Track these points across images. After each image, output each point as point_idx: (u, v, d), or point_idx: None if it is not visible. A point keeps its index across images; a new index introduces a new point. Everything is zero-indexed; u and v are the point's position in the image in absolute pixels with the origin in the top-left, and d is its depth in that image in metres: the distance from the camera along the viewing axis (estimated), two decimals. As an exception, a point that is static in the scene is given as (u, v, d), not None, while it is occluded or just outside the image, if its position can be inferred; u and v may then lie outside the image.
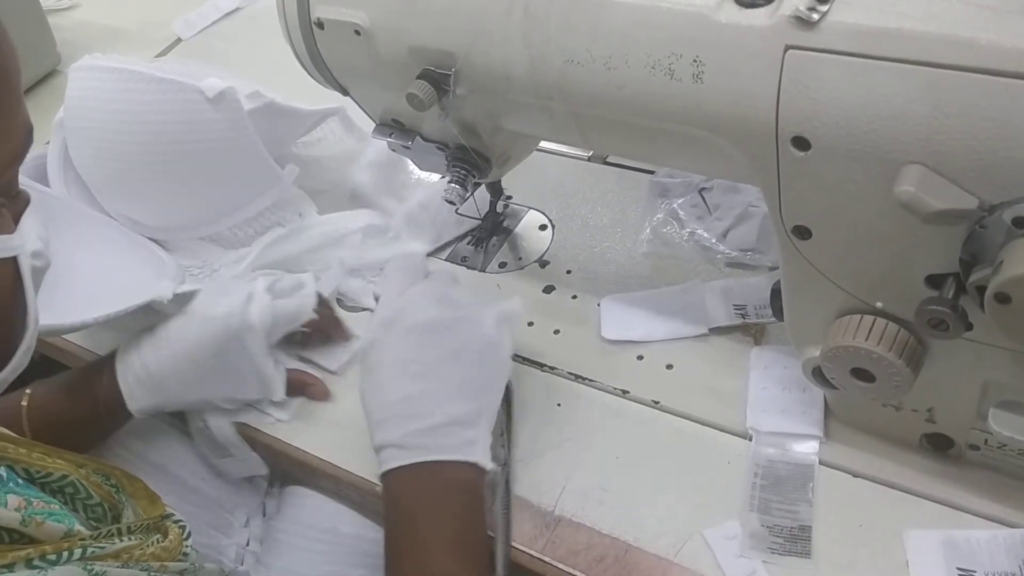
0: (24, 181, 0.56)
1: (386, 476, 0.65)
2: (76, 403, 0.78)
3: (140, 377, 0.77)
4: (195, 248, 0.91)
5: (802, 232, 0.57)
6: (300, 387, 0.82)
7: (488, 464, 0.65)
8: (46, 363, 0.94)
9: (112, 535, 0.55)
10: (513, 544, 0.69)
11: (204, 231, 0.91)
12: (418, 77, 0.66)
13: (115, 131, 0.83)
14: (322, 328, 0.84)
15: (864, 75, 0.48)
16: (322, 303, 0.82)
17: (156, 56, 1.31)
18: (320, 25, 0.71)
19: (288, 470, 0.84)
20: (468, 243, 0.94)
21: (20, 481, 0.53)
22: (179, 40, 1.35)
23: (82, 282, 0.73)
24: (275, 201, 0.90)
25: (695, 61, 0.54)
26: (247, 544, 0.84)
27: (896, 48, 0.47)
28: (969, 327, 0.54)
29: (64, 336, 0.92)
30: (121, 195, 0.89)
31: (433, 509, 0.63)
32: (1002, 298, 0.48)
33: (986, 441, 0.64)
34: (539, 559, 0.68)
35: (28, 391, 0.76)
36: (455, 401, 0.66)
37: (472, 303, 0.71)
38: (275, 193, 0.89)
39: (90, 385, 0.78)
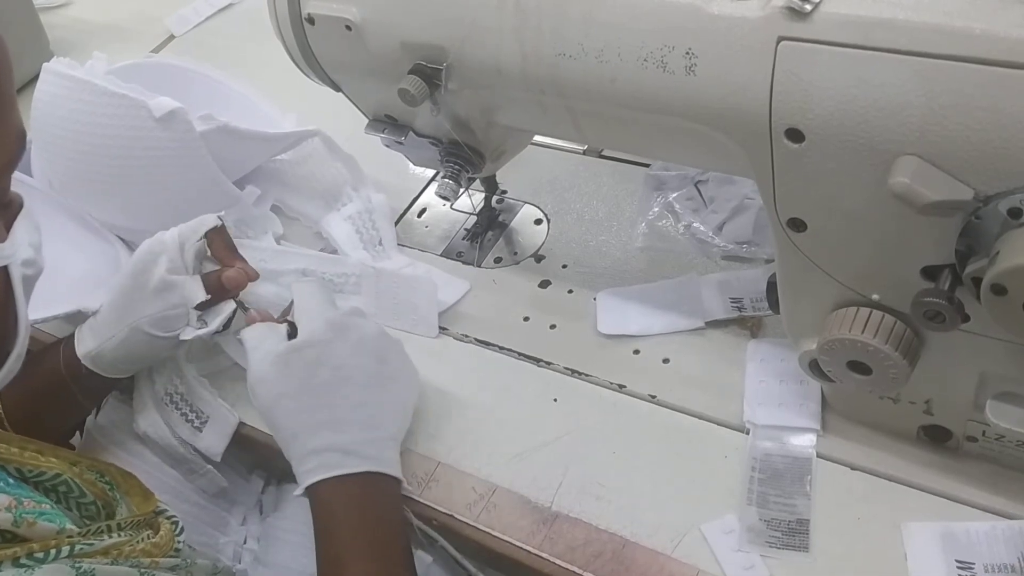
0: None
1: (310, 486, 0.66)
2: (41, 372, 0.78)
3: (89, 322, 0.79)
4: None
5: (797, 224, 0.57)
6: (217, 282, 0.79)
7: (402, 478, 0.70)
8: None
9: (101, 532, 0.55)
10: (511, 540, 0.69)
11: None
12: (410, 72, 0.66)
13: (68, 137, 0.85)
14: (216, 254, 0.81)
15: (857, 66, 0.48)
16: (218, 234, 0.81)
17: (151, 52, 1.30)
18: (311, 21, 0.70)
19: (284, 468, 0.84)
20: (463, 239, 0.94)
21: (11, 481, 0.52)
22: (172, 37, 1.34)
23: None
24: (240, 217, 0.92)
25: (688, 53, 0.54)
26: (244, 542, 0.84)
27: (889, 39, 0.47)
28: (966, 319, 0.54)
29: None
30: (76, 195, 0.92)
31: (354, 517, 0.65)
32: (998, 289, 0.48)
33: (984, 433, 0.64)
34: (536, 555, 0.68)
35: None
36: (384, 418, 0.70)
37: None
38: (234, 212, 0.91)
39: (55, 352, 0.79)
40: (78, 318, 0.83)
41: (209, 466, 0.81)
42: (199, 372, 0.83)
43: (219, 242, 0.80)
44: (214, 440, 0.81)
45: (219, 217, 0.80)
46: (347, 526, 0.65)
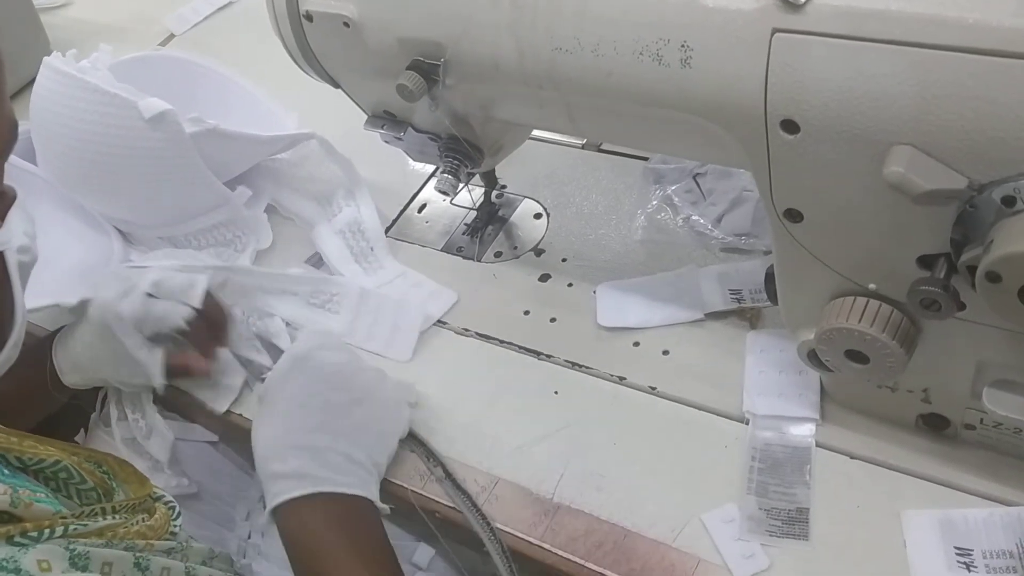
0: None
1: (282, 508, 0.66)
2: (27, 373, 0.78)
3: (66, 354, 0.79)
4: (156, 246, 0.94)
5: (793, 215, 0.57)
6: (183, 369, 0.80)
7: (382, 506, 0.69)
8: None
9: (96, 514, 0.55)
10: (513, 532, 0.70)
11: (160, 232, 0.93)
12: (408, 68, 0.66)
13: (64, 132, 0.86)
14: (209, 317, 0.80)
15: (851, 57, 0.48)
16: (210, 299, 0.79)
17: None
18: (309, 18, 0.71)
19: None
20: (464, 233, 0.95)
21: (7, 472, 0.53)
22: (172, 36, 1.35)
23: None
24: (229, 218, 0.93)
25: (683, 46, 0.54)
26: (248, 537, 0.85)
27: (883, 29, 0.47)
28: (962, 307, 0.54)
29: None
30: (72, 188, 0.92)
31: (336, 533, 0.65)
32: (993, 277, 0.48)
33: (981, 420, 0.64)
34: (538, 546, 0.69)
35: None
36: (354, 444, 0.69)
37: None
38: (224, 212, 0.92)
39: (41, 356, 0.79)
40: (74, 308, 0.81)
41: (182, 469, 0.83)
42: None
43: (213, 305, 0.80)
44: (157, 450, 0.82)
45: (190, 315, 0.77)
46: (329, 541, 0.64)
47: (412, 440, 0.75)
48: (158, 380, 0.77)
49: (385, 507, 0.69)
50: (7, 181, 0.55)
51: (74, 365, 0.79)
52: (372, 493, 0.68)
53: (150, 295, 0.76)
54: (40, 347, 0.81)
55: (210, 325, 0.79)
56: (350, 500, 0.67)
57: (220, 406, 0.82)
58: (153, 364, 0.77)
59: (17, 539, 0.48)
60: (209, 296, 0.78)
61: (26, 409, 0.80)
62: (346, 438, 0.69)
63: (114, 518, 0.56)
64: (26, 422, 0.80)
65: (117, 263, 0.88)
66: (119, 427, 0.83)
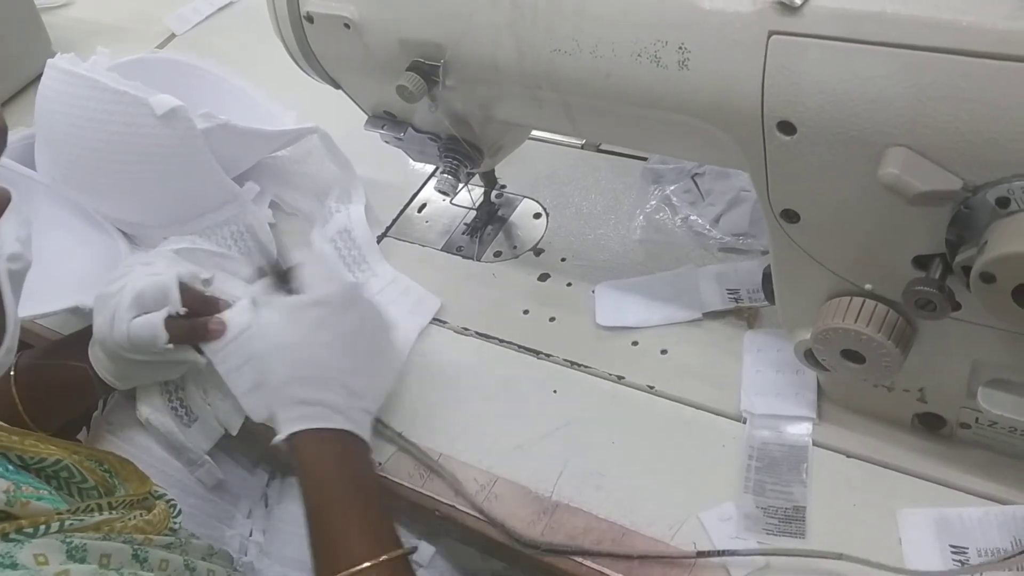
0: (7, 163, 0.55)
1: (301, 433, 0.68)
2: (67, 367, 0.78)
3: (98, 363, 0.77)
4: (162, 246, 0.92)
5: (790, 216, 0.57)
6: (192, 332, 0.75)
7: (372, 447, 0.71)
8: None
9: (92, 510, 0.55)
10: (511, 530, 0.70)
11: (168, 231, 0.93)
12: (408, 69, 0.67)
13: (71, 133, 0.86)
14: (194, 311, 0.76)
15: (847, 59, 0.49)
16: (186, 290, 0.75)
17: (153, 50, 1.31)
18: (310, 19, 0.71)
19: (289, 461, 0.84)
20: (463, 233, 0.95)
21: (11, 468, 0.53)
22: (173, 35, 1.35)
23: (36, 272, 0.74)
24: (236, 214, 0.93)
25: (680, 48, 0.55)
26: (250, 535, 0.85)
27: (878, 31, 0.47)
28: (957, 307, 0.54)
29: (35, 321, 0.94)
30: (78, 190, 0.92)
31: (338, 468, 0.67)
32: (987, 278, 0.48)
33: (977, 419, 0.64)
34: (537, 544, 0.69)
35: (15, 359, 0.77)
36: (375, 393, 0.72)
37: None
38: (233, 208, 0.92)
39: (80, 351, 0.78)
40: (80, 312, 0.83)
41: (206, 457, 0.82)
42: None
43: (196, 295, 0.77)
44: (199, 440, 0.81)
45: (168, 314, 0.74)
46: (332, 475, 0.66)
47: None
48: (199, 360, 0.75)
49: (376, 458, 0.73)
50: (1, 183, 0.55)
51: (107, 371, 0.77)
52: (369, 437, 0.71)
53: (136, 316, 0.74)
54: (80, 340, 0.79)
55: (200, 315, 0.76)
56: (360, 442, 0.69)
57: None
58: (179, 355, 0.75)
59: (12, 536, 0.48)
60: (189, 290, 0.76)
61: (67, 410, 0.80)
62: (373, 388, 0.72)
63: (111, 513, 0.56)
64: (66, 422, 0.81)
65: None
66: (152, 416, 0.81)
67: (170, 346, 0.73)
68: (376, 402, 0.73)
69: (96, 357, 0.77)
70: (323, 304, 0.72)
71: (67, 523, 0.51)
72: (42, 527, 0.50)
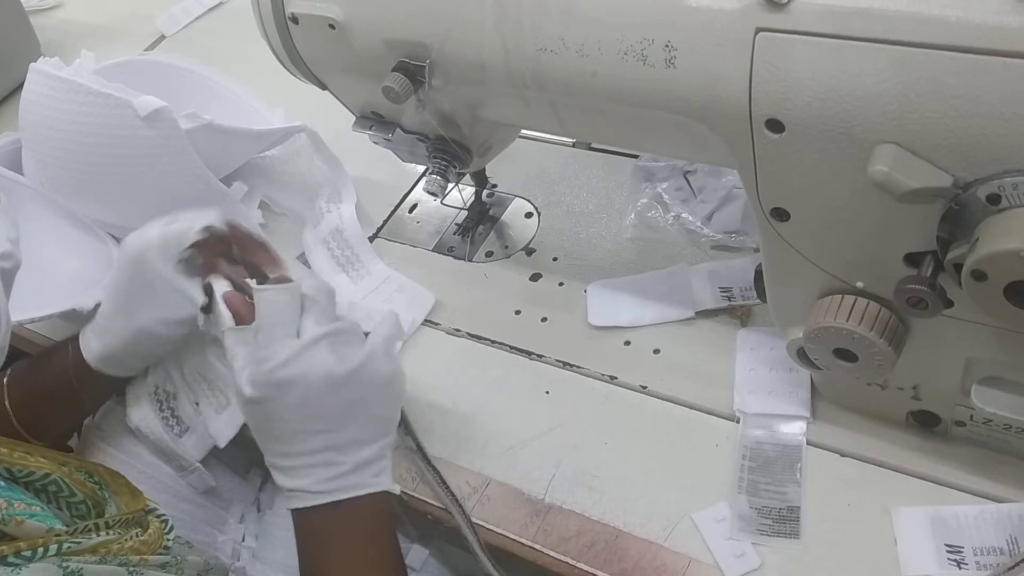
0: None
1: (298, 512, 0.64)
2: (49, 372, 0.77)
3: (92, 326, 0.76)
4: None
5: (780, 214, 0.57)
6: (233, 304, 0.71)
7: (395, 488, 0.65)
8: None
9: (89, 530, 0.55)
10: (505, 533, 0.70)
11: None
12: (393, 69, 0.66)
13: (56, 137, 0.85)
14: (246, 251, 0.73)
15: (834, 55, 0.48)
16: (238, 228, 0.73)
17: (142, 52, 1.30)
18: (295, 20, 0.70)
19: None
20: (455, 233, 0.94)
21: (2, 483, 0.53)
22: (163, 37, 1.35)
23: (26, 277, 0.73)
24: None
25: (667, 46, 0.54)
26: (242, 540, 0.84)
27: (865, 27, 0.47)
28: (949, 304, 0.54)
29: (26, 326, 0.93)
30: (65, 194, 0.92)
31: (347, 540, 0.63)
32: (978, 275, 0.48)
33: (971, 417, 0.64)
34: (530, 547, 0.69)
35: (9, 370, 0.76)
36: (361, 446, 0.64)
37: (359, 337, 0.67)
38: (221, 208, 0.88)
39: (63, 352, 0.77)
40: (72, 316, 0.83)
41: (197, 463, 0.81)
42: (196, 369, 0.82)
43: (213, 248, 0.74)
44: (192, 450, 0.80)
45: (208, 224, 0.72)
46: (345, 552, 0.63)
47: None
48: (200, 299, 0.71)
49: (396, 487, 0.65)
50: None
51: (99, 329, 0.75)
52: (382, 484, 0.65)
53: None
54: (60, 346, 0.78)
55: (238, 248, 0.73)
56: (359, 501, 0.64)
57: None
58: (191, 287, 0.72)
59: (11, 559, 0.48)
60: (241, 230, 0.73)
61: (56, 418, 0.78)
62: (353, 445, 0.64)
63: (108, 534, 0.56)
64: (58, 431, 0.79)
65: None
66: (141, 423, 0.80)
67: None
68: (390, 444, 0.67)
69: (86, 342, 0.75)
70: (355, 381, 0.64)
71: (64, 546, 0.51)
72: (40, 550, 0.50)
